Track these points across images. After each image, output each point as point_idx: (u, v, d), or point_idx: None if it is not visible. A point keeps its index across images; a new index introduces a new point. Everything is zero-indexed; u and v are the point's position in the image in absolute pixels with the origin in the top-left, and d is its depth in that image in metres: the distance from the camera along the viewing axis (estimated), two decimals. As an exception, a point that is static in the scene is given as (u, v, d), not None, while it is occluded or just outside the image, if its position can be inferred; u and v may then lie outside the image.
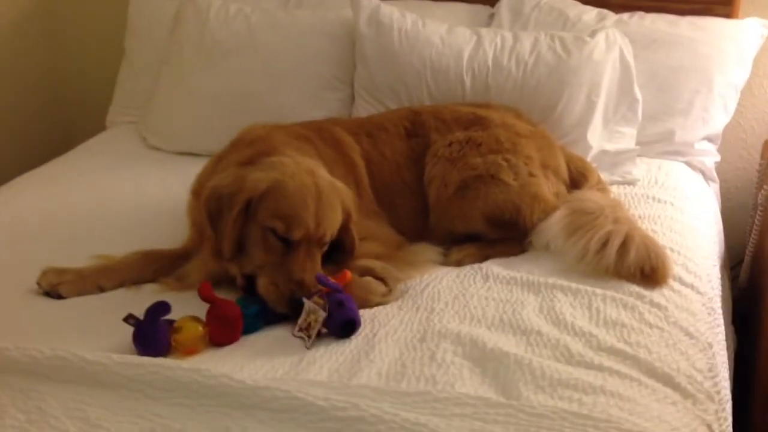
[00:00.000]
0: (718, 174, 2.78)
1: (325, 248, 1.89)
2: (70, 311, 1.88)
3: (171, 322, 1.72)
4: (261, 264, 1.83)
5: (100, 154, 2.90)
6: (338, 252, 1.95)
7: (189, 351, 1.70)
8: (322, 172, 1.92)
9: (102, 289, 1.96)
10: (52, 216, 2.37)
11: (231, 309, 1.75)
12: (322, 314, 1.70)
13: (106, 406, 1.48)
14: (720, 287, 2.26)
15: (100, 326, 1.79)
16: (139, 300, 1.88)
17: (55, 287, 1.92)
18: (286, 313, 1.78)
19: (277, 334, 1.76)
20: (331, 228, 1.86)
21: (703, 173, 2.71)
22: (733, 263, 2.84)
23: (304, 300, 1.74)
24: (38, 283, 1.93)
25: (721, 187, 2.84)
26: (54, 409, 1.47)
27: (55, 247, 2.16)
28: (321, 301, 1.73)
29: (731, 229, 2.81)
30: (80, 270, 1.96)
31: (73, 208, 2.42)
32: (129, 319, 1.70)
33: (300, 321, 1.73)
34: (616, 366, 1.62)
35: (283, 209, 1.81)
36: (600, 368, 1.62)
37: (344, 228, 1.92)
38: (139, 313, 1.72)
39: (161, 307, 1.71)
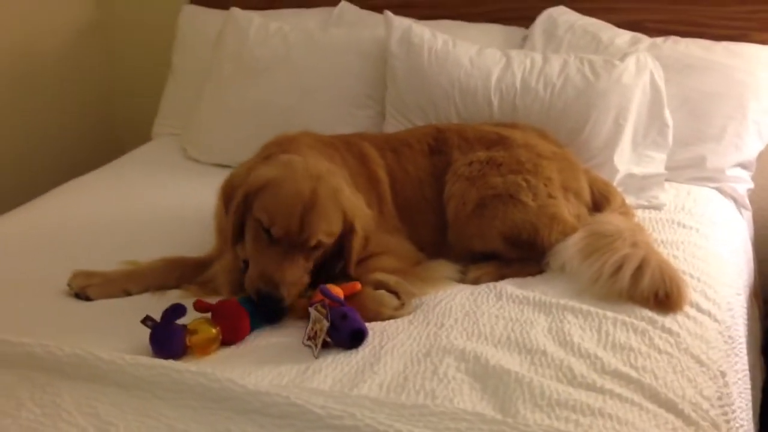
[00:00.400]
0: (751, 202, 2.74)
1: (315, 254, 1.91)
2: (97, 313, 1.97)
3: (185, 325, 1.78)
4: (250, 253, 1.91)
5: (142, 164, 3.02)
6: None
7: (203, 352, 1.78)
8: (333, 180, 1.95)
9: (128, 293, 2.04)
10: (90, 221, 2.49)
11: (231, 306, 1.83)
12: (326, 323, 1.74)
13: (117, 404, 1.55)
14: (744, 316, 2.24)
15: (123, 328, 1.87)
16: (163, 304, 1.94)
17: (83, 289, 2.01)
18: (265, 307, 1.85)
19: (285, 341, 1.81)
20: (317, 235, 1.88)
21: (735, 200, 2.68)
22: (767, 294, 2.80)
23: (310, 309, 1.79)
24: (68, 285, 2.03)
25: (755, 215, 2.80)
26: (68, 404, 1.55)
27: (91, 250, 2.26)
28: (323, 311, 1.77)
29: (766, 257, 2.77)
30: (108, 274, 2.05)
31: (110, 215, 2.54)
32: (146, 321, 1.78)
33: (308, 330, 1.78)
34: (618, 389, 1.62)
35: (272, 205, 1.88)
36: (601, 390, 1.62)
37: (345, 240, 1.95)
38: (158, 316, 1.80)
39: (177, 310, 1.79)
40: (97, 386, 1.59)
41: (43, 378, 1.61)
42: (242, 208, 1.93)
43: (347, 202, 1.95)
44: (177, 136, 3.16)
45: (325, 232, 1.90)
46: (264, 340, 1.83)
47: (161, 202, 2.63)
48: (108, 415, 1.52)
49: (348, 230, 1.95)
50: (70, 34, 3.58)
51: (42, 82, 3.44)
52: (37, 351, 1.65)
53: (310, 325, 1.78)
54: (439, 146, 2.28)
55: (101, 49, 3.72)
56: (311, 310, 1.80)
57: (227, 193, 1.99)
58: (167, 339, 1.76)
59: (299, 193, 1.88)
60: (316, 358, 1.74)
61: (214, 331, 1.79)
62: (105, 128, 3.78)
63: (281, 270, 1.85)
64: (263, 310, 1.86)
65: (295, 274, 1.88)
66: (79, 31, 3.61)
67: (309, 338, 1.78)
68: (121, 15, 3.70)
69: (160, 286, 2.07)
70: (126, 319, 1.91)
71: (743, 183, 2.70)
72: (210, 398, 1.54)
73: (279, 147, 2.08)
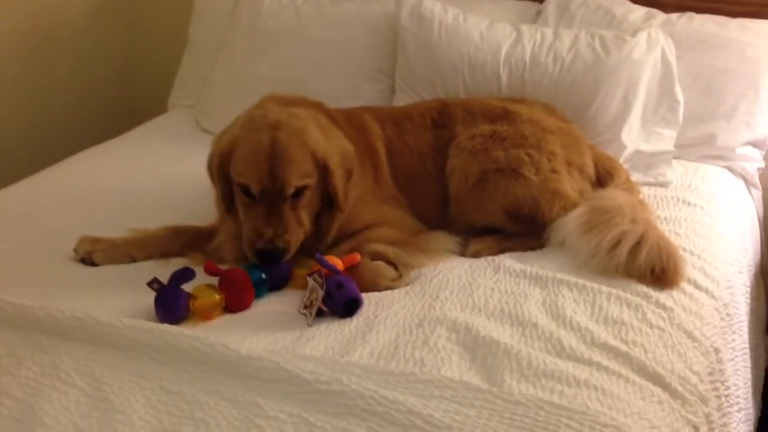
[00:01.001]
0: (762, 181, 2.71)
1: (302, 201, 1.93)
2: (102, 277, 2.02)
3: (188, 293, 1.83)
4: (242, 217, 1.96)
5: (156, 134, 3.06)
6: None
7: (206, 317, 1.82)
8: (295, 123, 1.94)
9: (133, 259, 2.09)
10: (103, 188, 2.55)
11: (239, 275, 1.87)
12: (320, 292, 1.78)
13: (113, 365, 1.60)
14: (747, 295, 2.23)
15: (126, 292, 1.92)
16: (166, 271, 1.98)
17: (89, 254, 2.06)
18: (261, 264, 1.90)
19: (283, 309, 1.84)
20: (291, 182, 1.89)
21: (745, 179, 2.65)
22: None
23: (308, 278, 1.83)
24: (75, 250, 2.08)
25: (765, 195, 2.77)
26: (66, 364, 1.60)
27: (101, 217, 2.31)
28: (320, 280, 1.80)
29: (776, 237, 2.74)
30: (113, 240, 2.10)
31: (122, 183, 2.58)
32: (153, 283, 1.82)
33: (304, 299, 1.82)
34: (605, 362, 1.64)
35: (241, 164, 1.93)
36: (588, 363, 1.64)
37: (326, 180, 1.95)
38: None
39: (185, 274, 1.83)
40: (95, 348, 1.63)
41: (44, 339, 1.66)
42: (222, 175, 1.97)
43: (314, 142, 1.94)
44: (192, 108, 3.19)
45: (297, 176, 1.90)
46: (262, 308, 1.87)
47: (173, 172, 2.67)
48: (104, 375, 1.57)
49: (323, 169, 1.94)
50: (90, 5, 3.62)
51: (61, 53, 3.49)
52: (38, 313, 1.70)
53: (307, 294, 1.82)
54: (443, 120, 2.29)
55: (120, 20, 3.75)
56: (309, 279, 1.83)
57: (209, 165, 2.04)
58: (172, 302, 1.80)
59: (261, 145, 1.90)
60: (310, 326, 1.77)
61: (217, 297, 1.83)
62: (123, 99, 3.83)
63: (271, 224, 1.89)
64: (269, 268, 1.90)
65: (287, 224, 1.90)
66: (98, 2, 3.66)
67: (305, 307, 1.81)
68: (141, -14, 3.74)
69: (164, 254, 2.11)
70: (130, 284, 1.95)
71: (754, 162, 2.67)
72: (203, 361, 1.58)
73: (255, 108, 2.10)
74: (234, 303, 1.85)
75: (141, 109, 3.68)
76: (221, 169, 1.97)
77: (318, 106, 2.17)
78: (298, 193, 1.92)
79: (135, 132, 3.12)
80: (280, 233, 1.89)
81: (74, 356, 1.62)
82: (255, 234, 1.90)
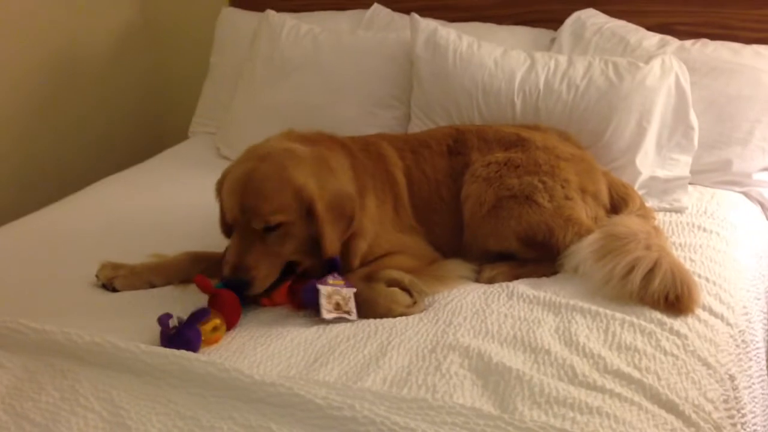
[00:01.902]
0: (781, 208, 2.70)
1: (274, 236, 1.92)
2: (123, 303, 2.05)
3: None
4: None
5: (177, 161, 3.12)
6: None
7: (213, 341, 1.85)
8: (281, 158, 1.95)
9: (152, 285, 2.12)
10: (123, 215, 2.60)
11: (229, 295, 1.91)
12: (344, 291, 1.86)
13: (130, 390, 1.63)
14: (764, 321, 2.22)
15: (144, 318, 1.93)
16: (185, 297, 2.05)
17: (110, 280, 2.10)
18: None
19: (296, 334, 1.86)
20: (260, 216, 1.89)
21: (761, 205, 2.64)
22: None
23: (319, 286, 1.88)
24: (96, 276, 2.12)
25: (784, 221, 2.76)
26: (85, 389, 1.64)
27: (123, 243, 2.36)
28: (340, 281, 1.87)
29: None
30: (134, 266, 2.14)
31: (143, 209, 2.64)
32: (164, 318, 1.83)
33: (323, 307, 1.86)
34: (618, 389, 1.64)
35: (224, 193, 2.01)
36: (601, 390, 1.64)
37: (310, 218, 1.93)
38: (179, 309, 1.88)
39: (203, 313, 1.85)
40: (113, 373, 1.67)
41: (64, 364, 1.70)
42: (219, 200, 2.06)
43: (298, 179, 1.92)
44: (212, 135, 3.25)
45: (268, 211, 1.89)
46: (275, 330, 1.88)
47: (193, 198, 2.70)
48: (121, 400, 1.60)
49: (308, 209, 1.93)
50: (116, 35, 3.71)
51: (86, 82, 3.58)
52: (59, 338, 1.74)
53: (324, 301, 1.86)
54: (458, 147, 2.31)
55: (145, 50, 3.84)
56: (321, 287, 1.87)
57: (215, 190, 2.12)
58: (189, 341, 1.79)
59: (240, 175, 1.94)
60: (354, 321, 1.88)
61: (218, 321, 1.86)
62: (146, 126, 3.91)
63: (239, 256, 1.91)
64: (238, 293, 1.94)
65: (256, 258, 1.90)
66: (124, 33, 3.75)
67: (331, 312, 1.87)
68: (163, 17, 3.82)
69: (183, 279, 2.13)
70: (149, 309, 1.98)
71: (771, 187, 2.67)
72: (217, 387, 1.61)
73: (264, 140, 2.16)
74: (230, 319, 1.90)
75: (163, 136, 3.76)
76: (217, 195, 2.08)
77: (334, 143, 2.17)
78: (271, 228, 1.92)
79: (157, 159, 3.18)
80: (246, 267, 1.90)
81: (93, 381, 1.65)
82: (227, 262, 1.93)
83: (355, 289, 1.93)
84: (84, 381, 1.66)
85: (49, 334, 1.75)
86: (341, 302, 1.88)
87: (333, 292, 1.87)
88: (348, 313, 1.87)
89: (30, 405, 1.60)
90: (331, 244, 1.96)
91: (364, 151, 2.23)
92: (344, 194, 1.99)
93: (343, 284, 1.93)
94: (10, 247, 2.35)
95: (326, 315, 1.87)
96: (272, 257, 1.93)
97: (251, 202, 1.91)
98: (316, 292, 1.91)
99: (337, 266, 1.96)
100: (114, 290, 2.10)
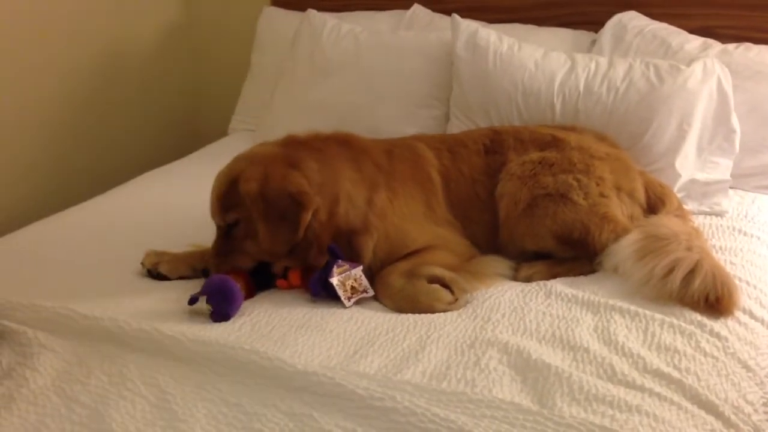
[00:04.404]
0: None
1: (233, 232, 2.07)
2: (168, 291, 2.09)
3: None
4: None
5: (217, 157, 3.11)
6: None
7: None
8: (237, 160, 2.11)
9: (195, 270, 2.16)
10: (165, 207, 2.65)
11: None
12: (353, 272, 1.99)
13: (176, 376, 1.67)
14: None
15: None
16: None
17: (155, 266, 2.15)
18: None
19: (335, 326, 1.89)
20: (217, 213, 2.08)
21: (804, 211, 2.62)
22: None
23: (331, 281, 1.97)
24: (141, 263, 2.17)
25: (825, 227, 2.72)
26: (133, 374, 1.68)
27: (164, 233, 2.41)
28: (345, 266, 1.99)
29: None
30: (176, 254, 2.20)
31: (184, 202, 2.67)
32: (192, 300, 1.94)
33: (342, 297, 1.97)
34: (657, 388, 1.64)
35: None
36: (641, 389, 1.64)
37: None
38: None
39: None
40: (160, 360, 1.71)
41: (112, 350, 1.75)
42: None
43: (243, 178, 2.03)
44: (251, 132, 3.29)
45: (222, 209, 2.06)
46: (315, 322, 1.91)
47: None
48: (168, 386, 1.64)
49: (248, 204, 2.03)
50: (158, 34, 3.78)
51: (130, 80, 3.65)
52: (107, 324, 1.78)
53: (340, 291, 1.97)
54: (494, 147, 2.33)
55: (186, 48, 3.91)
56: (331, 281, 1.97)
57: None
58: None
59: (214, 179, 2.12)
60: (372, 295, 2.02)
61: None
62: (187, 123, 3.97)
63: (213, 249, 2.10)
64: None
65: (220, 252, 2.08)
66: (166, 32, 3.82)
67: (349, 298, 1.98)
68: (205, 17, 3.88)
69: None
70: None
71: (812, 193, 2.65)
72: (261, 375, 1.64)
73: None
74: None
75: (203, 132, 3.81)
76: None
77: (329, 144, 2.22)
78: (233, 225, 2.06)
79: (197, 154, 3.24)
80: (213, 259, 2.08)
81: (140, 367, 1.70)
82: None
83: (361, 266, 2.04)
84: (131, 366, 1.70)
85: (97, 320, 1.80)
86: (355, 284, 2.00)
87: (344, 278, 1.98)
88: (365, 291, 2.01)
89: (79, 388, 1.64)
90: (266, 242, 2.02)
91: (387, 153, 2.25)
92: (288, 195, 2.01)
93: (347, 267, 2.02)
94: (58, 237, 2.42)
95: (348, 303, 1.99)
96: (238, 253, 2.07)
97: (212, 201, 2.09)
98: (324, 285, 2.00)
99: (337, 253, 2.03)
100: (158, 276, 2.15)
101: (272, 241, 2.02)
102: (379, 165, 2.18)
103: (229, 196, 2.05)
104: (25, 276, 2.16)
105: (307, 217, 2.00)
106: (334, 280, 1.98)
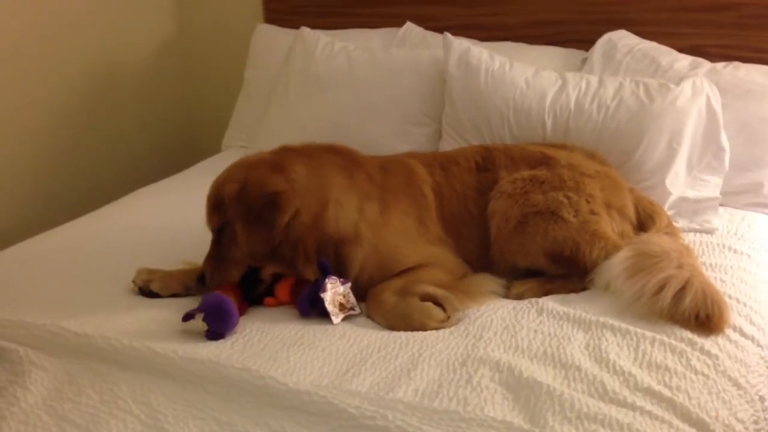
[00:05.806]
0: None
1: (222, 238, 2.11)
2: (159, 308, 2.09)
3: None
4: None
5: (210, 173, 3.11)
6: None
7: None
8: (229, 167, 2.17)
9: (187, 288, 2.17)
10: (158, 224, 2.65)
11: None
12: (342, 289, 2.01)
13: (168, 395, 1.67)
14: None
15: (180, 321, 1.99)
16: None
17: (146, 283, 2.15)
18: None
19: (327, 344, 1.89)
20: (208, 218, 2.13)
21: (793, 228, 2.64)
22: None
23: (321, 295, 1.97)
24: (133, 281, 2.17)
25: (815, 244, 2.75)
26: (124, 393, 1.68)
27: (156, 251, 2.40)
28: (337, 281, 2.01)
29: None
30: (168, 271, 2.19)
31: (176, 219, 2.67)
32: (186, 317, 1.93)
33: (331, 312, 1.98)
34: (648, 407, 1.65)
35: None
36: (632, 407, 1.64)
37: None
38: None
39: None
40: (151, 378, 1.71)
41: (103, 368, 1.75)
42: None
43: (227, 183, 2.08)
44: (245, 149, 3.29)
45: (210, 213, 2.12)
46: (308, 339, 1.91)
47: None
48: (159, 404, 1.64)
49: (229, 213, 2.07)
50: (151, 49, 3.80)
51: (124, 95, 3.66)
52: (98, 342, 1.78)
53: (330, 306, 1.98)
54: (486, 164, 2.34)
55: (179, 64, 3.93)
56: (322, 295, 1.98)
57: None
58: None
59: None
60: (359, 313, 2.03)
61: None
62: (180, 139, 3.98)
63: (208, 257, 2.13)
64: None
65: (212, 257, 2.11)
66: (159, 47, 3.83)
67: (338, 315, 1.99)
68: (199, 33, 3.90)
69: None
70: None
71: (802, 211, 2.67)
72: (253, 393, 1.64)
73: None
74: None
75: (196, 149, 3.82)
76: None
77: (323, 154, 2.25)
78: (220, 229, 2.10)
79: (189, 171, 3.24)
80: (206, 265, 2.11)
81: (132, 385, 1.69)
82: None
83: (350, 283, 2.05)
84: (123, 384, 1.70)
85: (88, 338, 1.80)
86: (343, 301, 2.01)
87: (333, 294, 2.00)
88: (352, 308, 2.03)
89: (70, 407, 1.64)
90: (244, 243, 2.05)
91: (381, 167, 2.27)
92: (263, 195, 2.04)
93: (338, 283, 2.03)
94: (49, 255, 2.41)
95: (336, 320, 1.99)
96: (226, 259, 2.09)
97: (206, 206, 2.13)
98: (312, 302, 2.01)
99: (327, 269, 2.04)
100: (150, 294, 2.14)
101: (249, 242, 2.05)
102: (372, 177, 2.19)
103: (216, 200, 2.10)
104: (17, 293, 2.15)
105: (283, 217, 2.02)
106: (326, 296, 1.98)
